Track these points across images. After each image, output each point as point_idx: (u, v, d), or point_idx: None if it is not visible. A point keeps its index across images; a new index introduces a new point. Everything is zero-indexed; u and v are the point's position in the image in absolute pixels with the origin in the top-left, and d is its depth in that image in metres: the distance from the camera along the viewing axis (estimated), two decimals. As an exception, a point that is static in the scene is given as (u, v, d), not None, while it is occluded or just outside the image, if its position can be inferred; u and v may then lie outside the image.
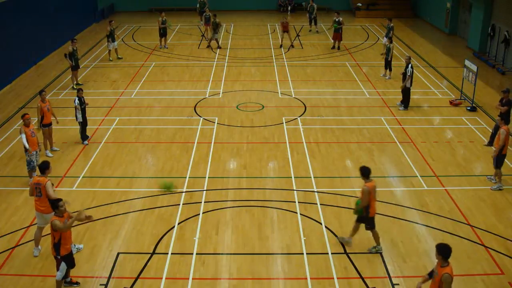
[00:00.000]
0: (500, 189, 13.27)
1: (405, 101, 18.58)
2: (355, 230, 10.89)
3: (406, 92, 18.51)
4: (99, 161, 14.87)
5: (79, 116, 15.59)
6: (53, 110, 15.43)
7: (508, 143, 13.26)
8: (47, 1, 26.42)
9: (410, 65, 18.26)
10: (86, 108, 15.90)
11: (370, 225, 10.68)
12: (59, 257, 9.38)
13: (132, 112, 18.55)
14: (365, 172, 10.49)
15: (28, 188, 13.23)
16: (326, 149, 15.60)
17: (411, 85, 18.42)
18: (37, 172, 13.16)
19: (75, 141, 16.10)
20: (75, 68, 20.81)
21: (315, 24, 31.10)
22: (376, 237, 10.77)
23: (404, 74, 18.37)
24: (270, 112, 18.46)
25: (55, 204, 9.37)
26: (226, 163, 14.79)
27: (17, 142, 15.86)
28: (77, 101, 15.52)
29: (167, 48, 27.06)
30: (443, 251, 8.07)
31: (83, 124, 15.87)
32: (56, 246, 9.34)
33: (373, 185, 10.43)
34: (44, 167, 10.82)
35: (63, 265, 9.41)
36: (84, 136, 15.99)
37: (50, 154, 15.10)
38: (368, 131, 16.85)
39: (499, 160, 13.25)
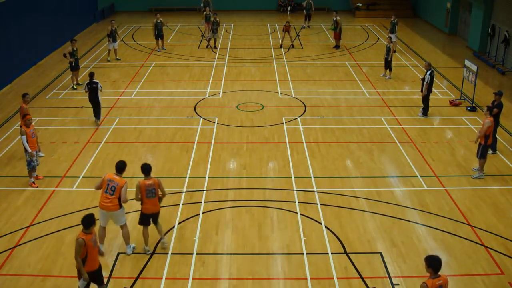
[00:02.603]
0: (480, 178, 13.81)
1: (424, 109, 18.05)
2: (158, 228, 10.87)
3: (424, 100, 17.95)
4: (99, 161, 14.86)
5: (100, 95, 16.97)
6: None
7: (491, 135, 13.80)
8: (47, 1, 26.42)
9: (428, 72, 17.64)
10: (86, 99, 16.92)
11: (140, 222, 10.68)
12: None
13: (132, 112, 18.55)
14: (145, 170, 10.52)
15: (29, 188, 13.34)
16: (326, 149, 15.60)
17: (429, 92, 17.75)
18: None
19: (74, 141, 16.11)
20: (75, 68, 20.78)
21: (308, 20, 32.12)
22: (146, 237, 10.74)
23: (423, 81, 17.78)
24: (270, 112, 18.46)
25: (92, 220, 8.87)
26: (226, 163, 14.79)
27: (17, 142, 15.86)
28: (99, 84, 16.86)
29: (165, 49, 26.69)
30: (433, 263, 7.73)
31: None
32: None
33: (149, 183, 10.39)
34: (123, 166, 10.61)
35: (81, 282, 8.93)
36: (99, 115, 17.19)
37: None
38: (368, 131, 16.85)
39: (483, 151, 13.73)
